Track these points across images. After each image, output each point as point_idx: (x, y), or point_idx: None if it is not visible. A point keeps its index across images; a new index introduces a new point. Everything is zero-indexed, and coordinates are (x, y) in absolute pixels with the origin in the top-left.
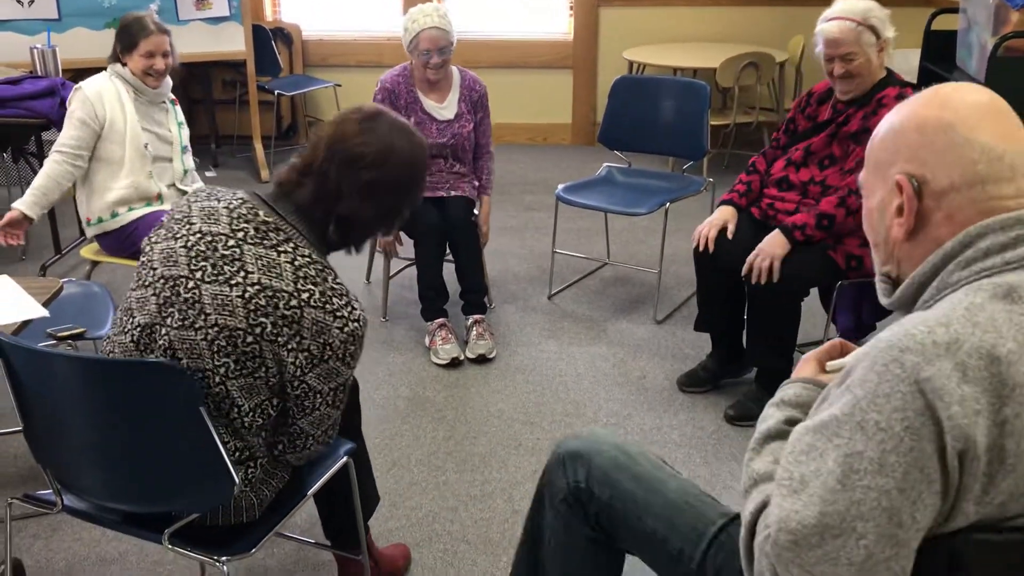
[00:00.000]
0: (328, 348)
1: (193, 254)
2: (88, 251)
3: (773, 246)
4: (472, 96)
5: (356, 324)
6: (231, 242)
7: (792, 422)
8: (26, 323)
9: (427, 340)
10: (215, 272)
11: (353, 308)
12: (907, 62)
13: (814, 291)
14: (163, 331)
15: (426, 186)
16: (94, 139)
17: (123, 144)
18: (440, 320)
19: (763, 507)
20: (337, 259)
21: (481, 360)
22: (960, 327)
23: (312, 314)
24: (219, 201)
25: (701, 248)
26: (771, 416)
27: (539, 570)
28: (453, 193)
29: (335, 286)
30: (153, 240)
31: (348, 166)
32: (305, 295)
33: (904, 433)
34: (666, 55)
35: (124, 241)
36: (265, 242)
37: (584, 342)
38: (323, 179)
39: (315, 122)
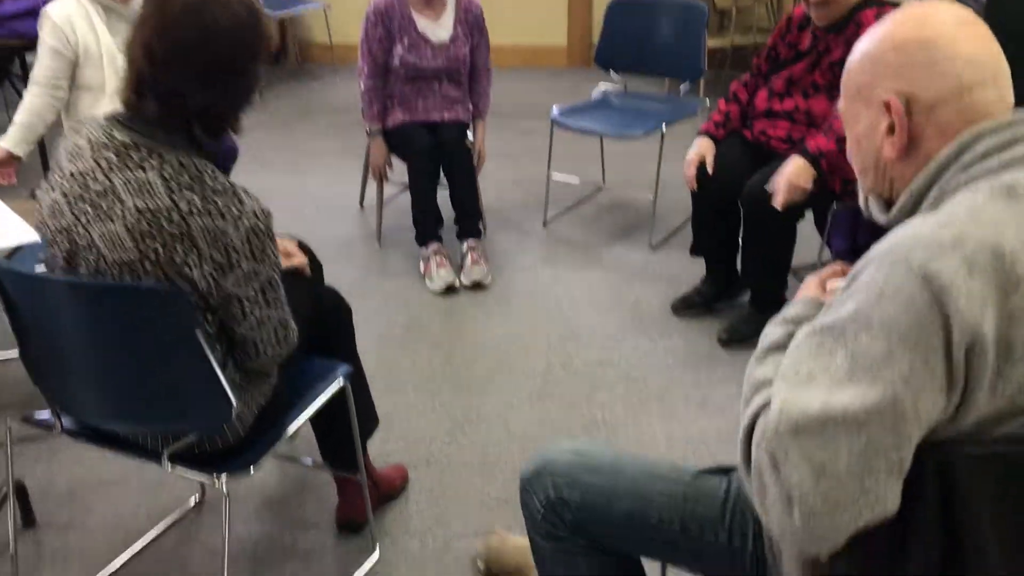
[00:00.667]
0: (232, 251)
1: (71, 199)
2: None
3: (802, 179)
4: (468, 17)
5: (252, 219)
6: (99, 175)
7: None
8: (18, 248)
9: (421, 266)
10: (95, 211)
11: (242, 202)
12: None
13: (809, 213)
14: None
15: (417, 109)
16: (70, 67)
17: (101, 68)
18: (434, 246)
19: (763, 408)
20: (328, 185)
21: (476, 286)
22: (964, 225)
23: (199, 222)
24: (80, 135)
25: (690, 188)
26: (775, 332)
27: None
28: (447, 116)
29: (216, 187)
30: (41, 197)
31: (172, 63)
32: (184, 205)
33: (911, 327)
34: None
35: None
36: (129, 164)
37: (579, 268)
38: (158, 87)
39: (305, 46)
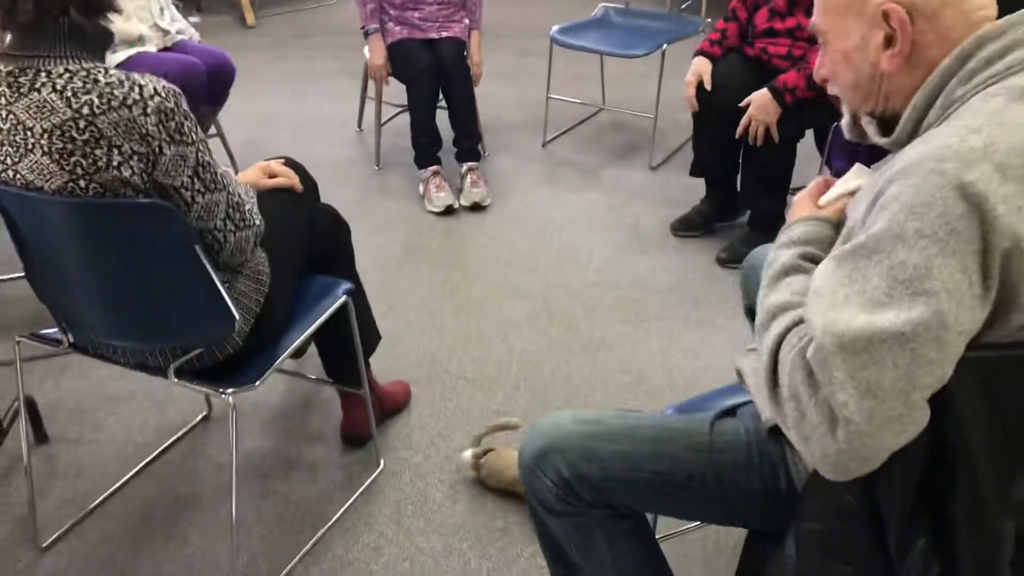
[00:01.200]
0: (150, 139)
1: None
2: None
3: (766, 112)
4: None
5: (156, 98)
6: (3, 113)
7: (807, 257)
8: None
9: (421, 188)
10: (15, 149)
11: (141, 87)
12: None
13: (809, 132)
14: None
15: (414, 24)
16: None
17: None
18: (434, 167)
19: (787, 331)
20: (326, 107)
21: (475, 208)
22: (991, 131)
23: (106, 120)
24: None
25: (692, 109)
26: (783, 255)
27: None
28: (444, 34)
29: (110, 80)
30: None
31: None
32: (86, 110)
33: (949, 237)
34: None
35: None
36: (22, 90)
37: (578, 189)
38: None
39: None
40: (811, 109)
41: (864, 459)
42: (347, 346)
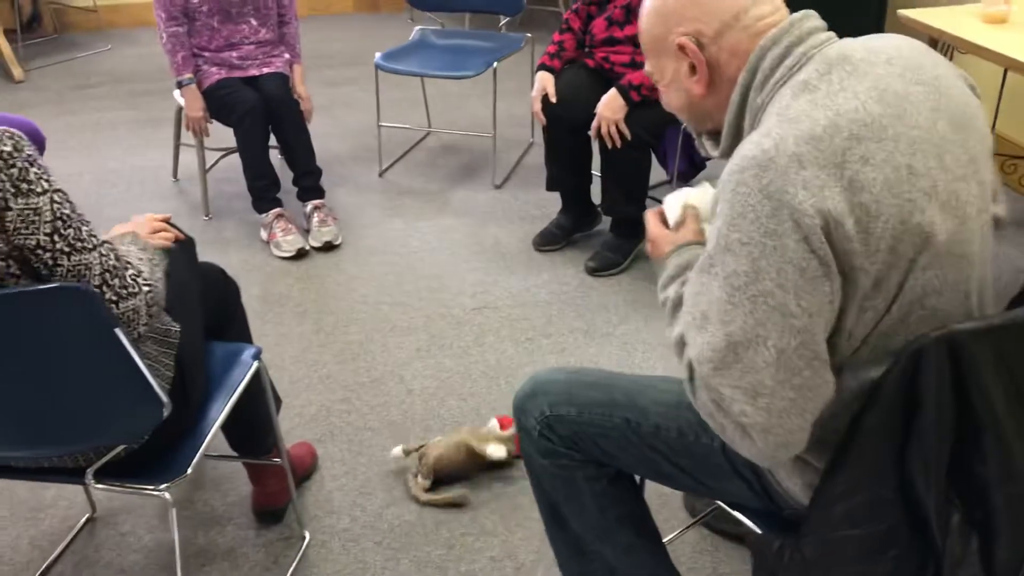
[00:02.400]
0: None
1: None
2: None
3: (613, 110)
4: None
5: None
6: None
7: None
8: None
9: (264, 234)
10: None
11: None
12: None
13: None
14: None
15: (233, 64)
16: None
17: None
18: (276, 210)
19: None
20: (131, 160)
21: (328, 247)
22: (779, 129)
23: None
24: None
25: (542, 123)
26: (669, 294)
27: (567, 529)
28: (265, 70)
29: None
30: None
31: None
32: None
33: (764, 238)
34: None
35: None
36: None
37: (429, 215)
38: None
39: (61, 8)
40: (660, 114)
41: (785, 445)
42: (261, 414)
